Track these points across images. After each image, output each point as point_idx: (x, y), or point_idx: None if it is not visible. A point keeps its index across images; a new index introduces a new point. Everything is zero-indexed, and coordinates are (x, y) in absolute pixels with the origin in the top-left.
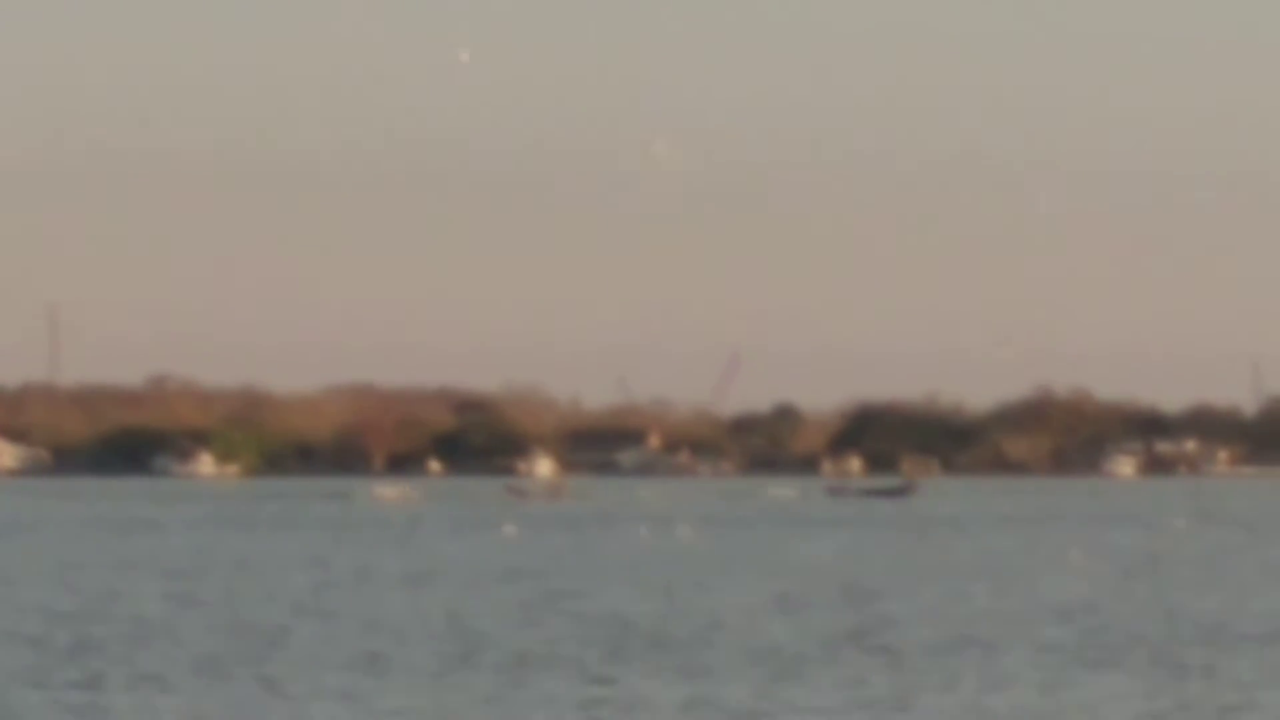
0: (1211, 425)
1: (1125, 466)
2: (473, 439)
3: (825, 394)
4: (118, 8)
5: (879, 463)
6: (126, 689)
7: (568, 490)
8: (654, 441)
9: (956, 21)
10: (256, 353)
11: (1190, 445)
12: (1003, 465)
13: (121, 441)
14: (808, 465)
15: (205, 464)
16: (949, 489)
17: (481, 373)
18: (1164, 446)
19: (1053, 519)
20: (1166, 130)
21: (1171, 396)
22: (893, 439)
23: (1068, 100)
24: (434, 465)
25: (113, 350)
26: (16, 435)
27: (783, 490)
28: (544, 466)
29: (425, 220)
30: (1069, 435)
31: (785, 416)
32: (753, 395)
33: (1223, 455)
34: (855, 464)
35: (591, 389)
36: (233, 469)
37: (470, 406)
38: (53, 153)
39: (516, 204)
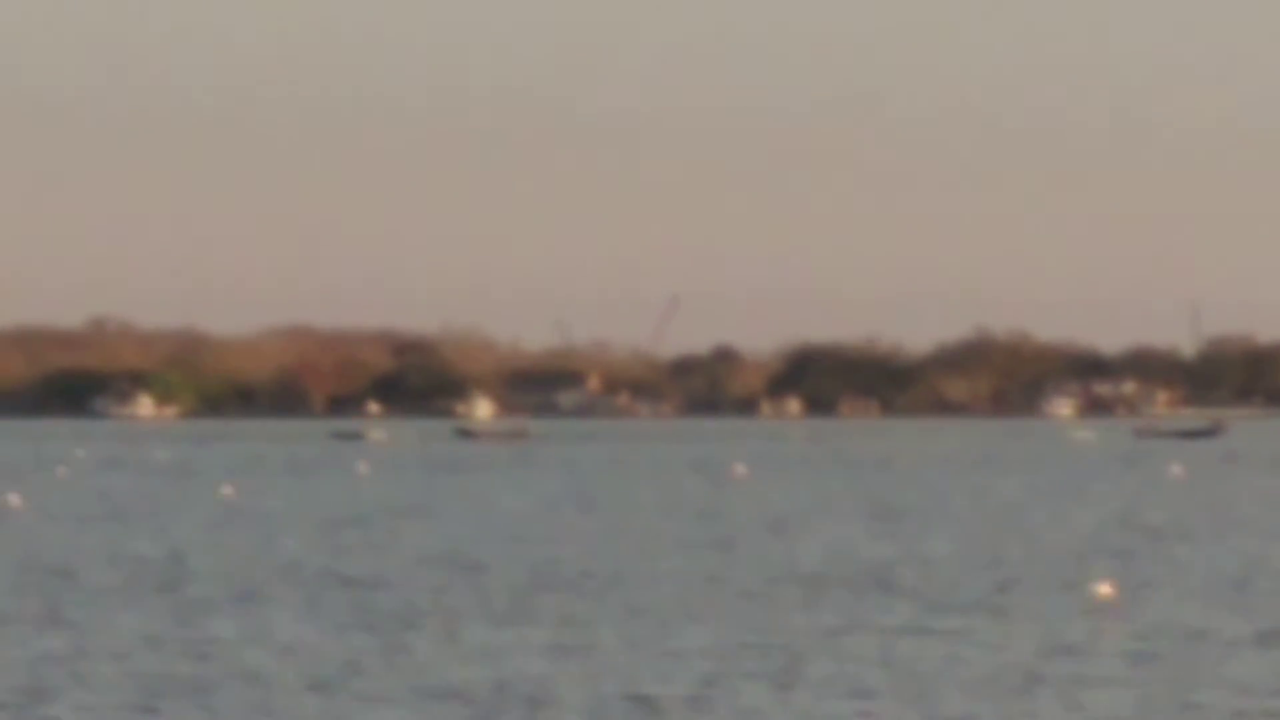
0: (1150, 366)
1: (1064, 408)
2: (412, 381)
3: (764, 336)
4: None
5: (818, 404)
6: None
7: (527, 433)
8: (593, 383)
9: None
10: (196, 294)
11: (1129, 387)
12: (942, 407)
13: (61, 383)
14: (747, 407)
15: (144, 406)
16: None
17: (421, 314)
18: (1103, 388)
19: None
20: (1107, 78)
21: (1110, 338)
22: (832, 381)
23: (1010, 47)
24: (373, 407)
25: (52, 292)
26: None
27: (1084, 433)
28: (483, 408)
29: (364, 162)
30: (1008, 377)
31: (724, 358)
32: (691, 337)
33: (1161, 396)
34: (794, 406)
35: (530, 331)
36: (171, 411)
37: (409, 348)
38: None
39: (456, 147)
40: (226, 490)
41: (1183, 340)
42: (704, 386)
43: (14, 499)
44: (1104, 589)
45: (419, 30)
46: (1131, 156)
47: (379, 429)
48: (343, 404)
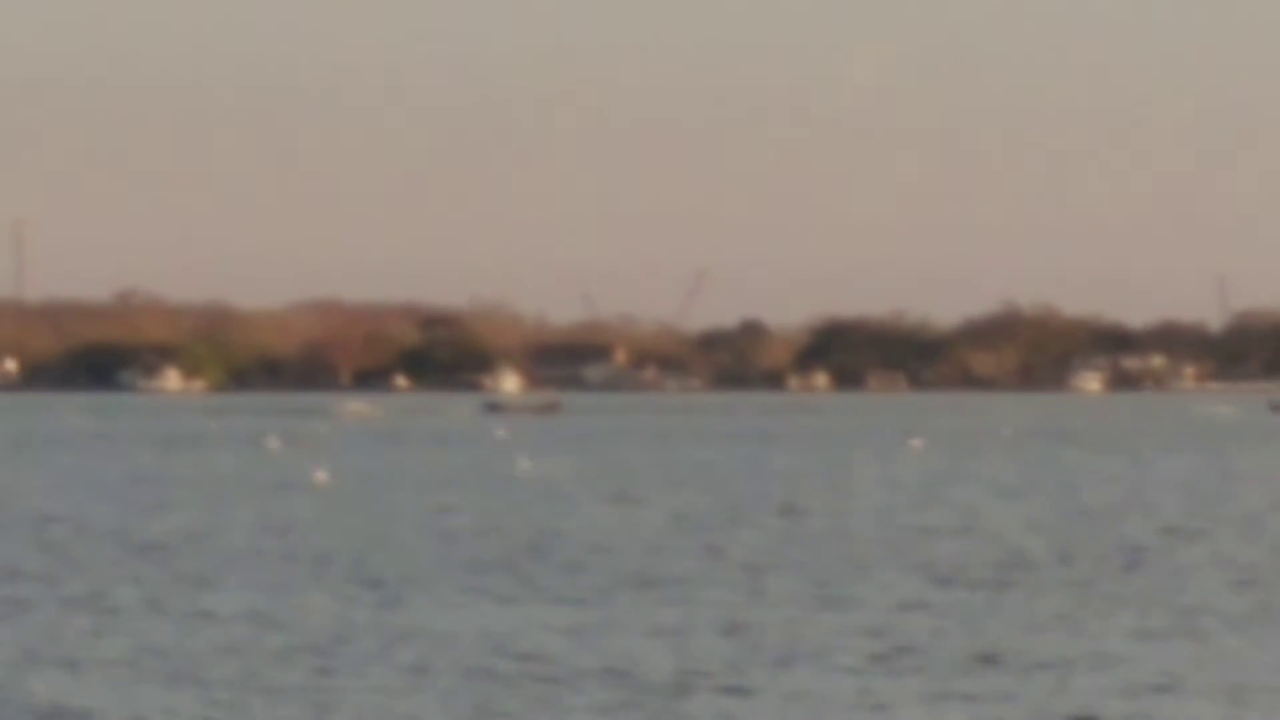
0: (1178, 341)
1: (1092, 382)
2: (439, 354)
3: (792, 310)
4: None
5: (845, 378)
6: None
7: (559, 407)
8: (620, 357)
9: None
10: (223, 268)
11: (1156, 361)
12: (969, 381)
13: (89, 357)
14: (774, 380)
15: (171, 379)
16: None
17: (448, 288)
18: (1130, 362)
19: None
20: (1128, 52)
21: (1137, 312)
22: (859, 354)
23: (1039, 28)
24: (400, 380)
25: (80, 266)
26: None
27: (1222, 407)
28: (510, 382)
29: (391, 137)
30: (1035, 351)
31: (752, 332)
32: (719, 311)
33: (1189, 371)
34: (821, 379)
35: (557, 305)
36: (199, 384)
37: (437, 322)
38: (16, 72)
39: (481, 122)
40: (525, 464)
41: (1210, 314)
42: (731, 360)
43: (321, 475)
44: None
45: (439, 7)
46: (1159, 131)
47: (356, 401)
48: (370, 377)
